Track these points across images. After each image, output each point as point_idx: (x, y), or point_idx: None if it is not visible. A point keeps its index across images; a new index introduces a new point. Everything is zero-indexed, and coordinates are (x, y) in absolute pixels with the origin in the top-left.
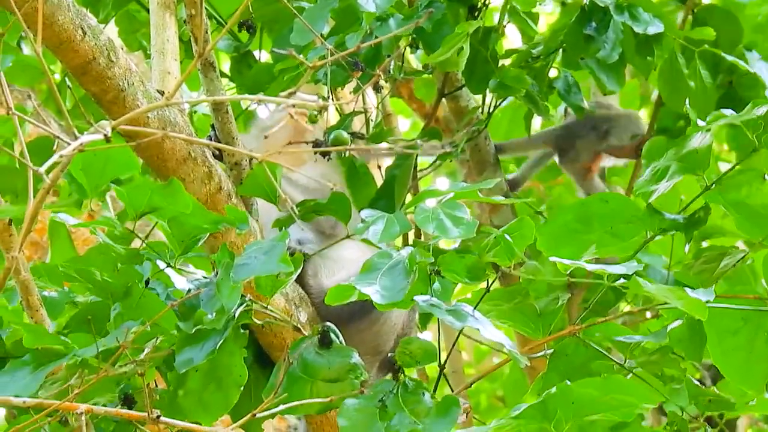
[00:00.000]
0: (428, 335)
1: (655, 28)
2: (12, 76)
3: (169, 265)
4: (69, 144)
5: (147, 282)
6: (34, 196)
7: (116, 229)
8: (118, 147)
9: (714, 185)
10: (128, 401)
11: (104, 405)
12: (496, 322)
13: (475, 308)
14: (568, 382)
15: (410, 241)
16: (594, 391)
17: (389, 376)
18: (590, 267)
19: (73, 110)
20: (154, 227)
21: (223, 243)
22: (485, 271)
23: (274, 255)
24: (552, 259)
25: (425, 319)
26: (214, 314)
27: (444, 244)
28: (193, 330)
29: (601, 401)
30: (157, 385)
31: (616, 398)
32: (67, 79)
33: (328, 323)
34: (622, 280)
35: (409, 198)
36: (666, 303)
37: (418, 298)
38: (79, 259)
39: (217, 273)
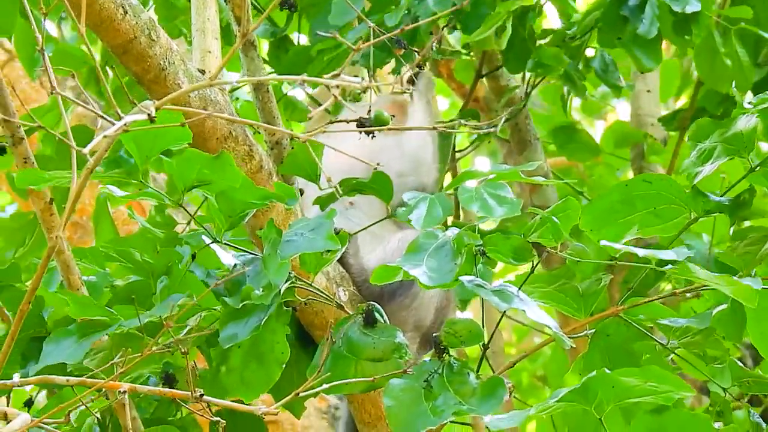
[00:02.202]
0: (468, 314)
1: (693, 6)
2: (52, 64)
3: (215, 240)
4: (113, 124)
5: (194, 256)
6: (77, 176)
7: (165, 201)
8: (161, 128)
9: (759, 167)
10: (169, 380)
11: (146, 379)
12: (539, 303)
13: (519, 289)
14: (608, 371)
15: (448, 222)
16: (633, 377)
17: (431, 355)
18: (641, 252)
19: (115, 94)
20: (199, 208)
21: (270, 219)
22: (531, 252)
23: (320, 232)
24: (603, 243)
25: (465, 299)
26: (261, 290)
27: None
28: (240, 305)
29: (640, 387)
30: (196, 365)
31: (655, 385)
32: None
33: (373, 302)
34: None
35: (448, 179)
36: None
37: (464, 279)
38: (120, 241)
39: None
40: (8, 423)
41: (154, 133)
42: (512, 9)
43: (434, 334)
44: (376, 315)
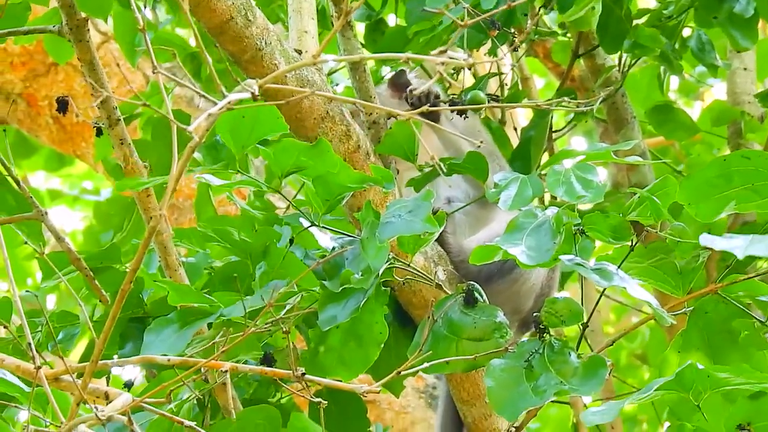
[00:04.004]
0: (566, 294)
1: None
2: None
3: (313, 224)
4: (215, 103)
5: (291, 241)
6: (178, 157)
7: (262, 188)
8: (263, 106)
9: None
10: (268, 360)
11: (245, 362)
12: (637, 281)
13: (619, 267)
14: (700, 366)
15: (545, 200)
16: (727, 368)
17: (529, 335)
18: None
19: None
20: (298, 192)
21: (367, 201)
22: (630, 231)
23: (418, 214)
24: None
25: (563, 279)
26: (360, 273)
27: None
28: (339, 289)
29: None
30: (295, 346)
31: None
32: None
33: (473, 282)
34: None
35: (545, 158)
36: None
37: (564, 257)
38: (219, 220)
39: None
40: (109, 402)
41: (251, 122)
42: None
43: (534, 314)
44: (476, 295)
